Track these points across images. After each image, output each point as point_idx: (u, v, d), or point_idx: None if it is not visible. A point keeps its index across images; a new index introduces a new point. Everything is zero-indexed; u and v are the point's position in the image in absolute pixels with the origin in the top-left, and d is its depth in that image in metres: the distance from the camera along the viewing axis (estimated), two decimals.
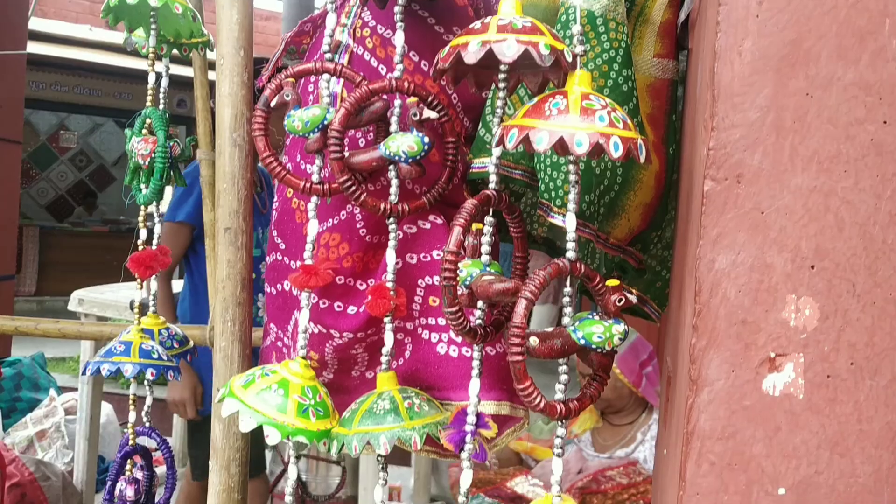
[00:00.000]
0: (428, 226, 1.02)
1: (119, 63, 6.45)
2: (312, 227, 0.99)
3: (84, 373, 1.28)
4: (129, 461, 1.31)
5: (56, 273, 7.43)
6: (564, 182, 0.98)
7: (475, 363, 0.88)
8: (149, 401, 1.40)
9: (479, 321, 0.88)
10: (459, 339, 1.02)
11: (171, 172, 1.38)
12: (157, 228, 1.41)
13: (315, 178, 0.98)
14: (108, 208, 8.55)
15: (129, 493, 1.29)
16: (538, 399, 0.80)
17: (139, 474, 1.36)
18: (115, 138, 8.20)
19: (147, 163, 1.28)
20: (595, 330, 0.82)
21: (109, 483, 1.28)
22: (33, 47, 5.45)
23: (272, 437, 0.93)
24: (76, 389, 3.86)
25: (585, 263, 0.85)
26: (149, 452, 1.37)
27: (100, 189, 9.22)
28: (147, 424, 1.39)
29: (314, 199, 0.99)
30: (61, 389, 4.46)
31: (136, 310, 1.32)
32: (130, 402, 1.33)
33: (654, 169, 1.05)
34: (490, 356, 1.01)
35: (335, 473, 3.68)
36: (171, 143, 1.33)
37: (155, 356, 1.28)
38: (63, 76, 7.01)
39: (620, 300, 0.83)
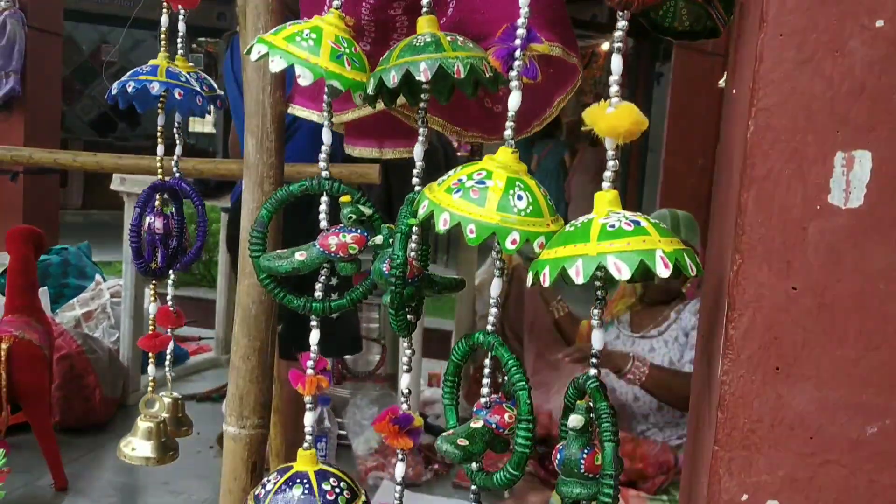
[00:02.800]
0: None
1: None
2: None
3: (110, 96, 1.22)
4: (157, 195, 1.27)
5: (101, 187, 7.54)
6: None
7: None
8: (178, 150, 1.35)
9: None
10: None
11: None
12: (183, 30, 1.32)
13: None
14: (151, 124, 8.56)
15: (158, 224, 1.25)
16: None
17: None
18: (155, 55, 8.21)
19: None
20: None
21: (137, 210, 1.23)
22: None
23: (304, 77, 0.87)
24: None
25: None
26: (179, 196, 1.32)
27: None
28: (177, 174, 1.34)
29: None
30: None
31: (162, 35, 1.26)
32: (158, 134, 1.28)
33: None
34: None
35: (375, 352, 3.67)
36: None
37: (183, 79, 1.22)
38: None
39: None
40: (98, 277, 4.21)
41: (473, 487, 0.87)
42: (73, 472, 3.21)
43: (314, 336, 0.97)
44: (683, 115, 4.50)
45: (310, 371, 0.97)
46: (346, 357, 3.67)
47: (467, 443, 0.81)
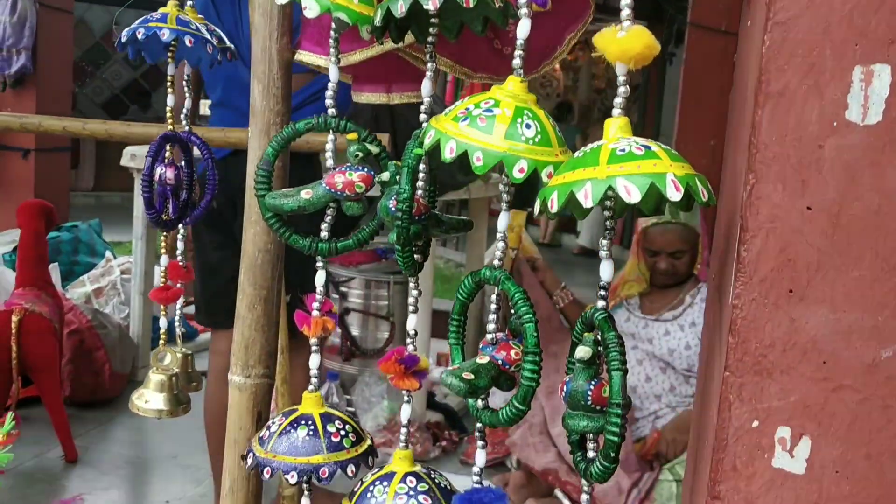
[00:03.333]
0: None
1: None
2: None
3: (120, 44, 1.21)
4: (168, 145, 1.26)
5: (112, 169, 7.56)
6: None
7: None
8: (188, 103, 1.34)
9: None
10: None
11: None
12: None
13: None
14: (162, 107, 8.62)
15: (169, 174, 1.24)
16: None
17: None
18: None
19: None
20: None
21: (148, 160, 1.22)
22: None
23: (310, 9, 0.85)
24: None
25: None
26: (189, 148, 1.31)
27: (153, 88, 9.35)
28: (187, 127, 1.33)
29: None
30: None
31: None
32: (168, 84, 1.27)
33: None
34: None
35: (384, 329, 3.67)
36: None
37: (193, 27, 1.21)
38: None
39: None
40: (108, 254, 4.23)
41: (479, 425, 0.86)
42: (83, 444, 3.23)
43: (320, 276, 0.96)
44: (696, 96, 4.45)
45: (315, 312, 0.96)
46: (355, 334, 3.67)
47: (472, 377, 0.80)
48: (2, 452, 2.03)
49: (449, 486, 0.92)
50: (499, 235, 0.83)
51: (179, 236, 1.33)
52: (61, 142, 4.57)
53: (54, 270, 3.76)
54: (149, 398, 1.28)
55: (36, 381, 3.09)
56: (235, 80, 2.37)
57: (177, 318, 1.37)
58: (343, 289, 3.68)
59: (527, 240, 3.72)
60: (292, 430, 0.94)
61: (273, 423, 0.96)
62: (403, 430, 0.94)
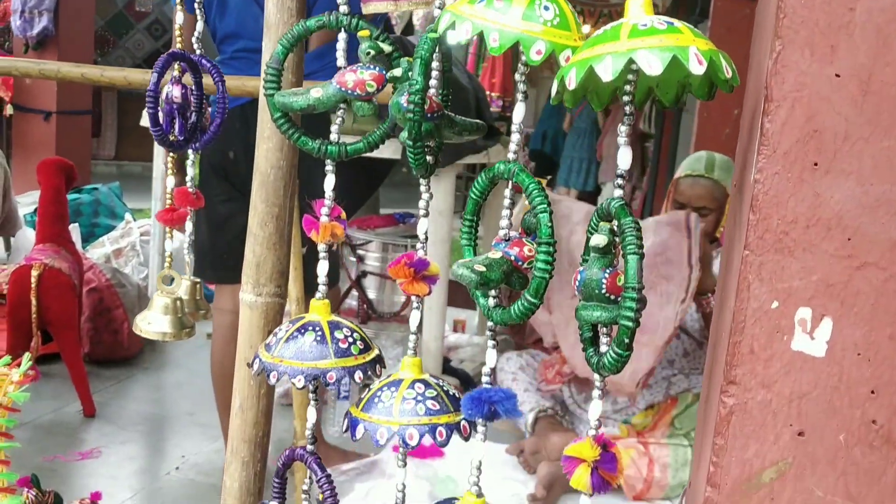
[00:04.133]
0: None
1: None
2: None
3: None
4: (175, 63, 1.24)
5: (134, 138, 7.60)
6: None
7: None
8: (199, 27, 1.32)
9: None
10: None
11: None
12: None
13: None
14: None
15: (176, 93, 1.22)
16: None
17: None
18: None
19: None
20: None
21: (155, 75, 1.20)
22: None
23: None
24: None
25: None
26: (198, 68, 1.29)
27: None
28: (199, 51, 1.31)
29: None
30: None
31: None
32: (178, 3, 1.25)
33: None
34: None
35: (401, 292, 3.66)
36: None
37: None
38: None
39: None
40: (128, 216, 4.25)
41: (490, 324, 0.84)
42: (101, 400, 3.26)
43: (329, 181, 0.94)
44: None
45: (324, 218, 0.94)
46: (372, 297, 3.66)
47: (484, 269, 0.78)
48: (19, 391, 2.05)
49: (457, 395, 0.90)
50: (514, 128, 0.81)
51: (190, 161, 1.32)
52: (82, 104, 4.59)
53: (74, 231, 3.79)
54: (152, 320, 1.27)
55: (55, 336, 3.12)
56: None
57: (185, 245, 1.35)
58: (360, 252, 3.67)
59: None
60: (299, 336, 0.92)
61: (280, 329, 0.95)
62: (412, 336, 0.93)
